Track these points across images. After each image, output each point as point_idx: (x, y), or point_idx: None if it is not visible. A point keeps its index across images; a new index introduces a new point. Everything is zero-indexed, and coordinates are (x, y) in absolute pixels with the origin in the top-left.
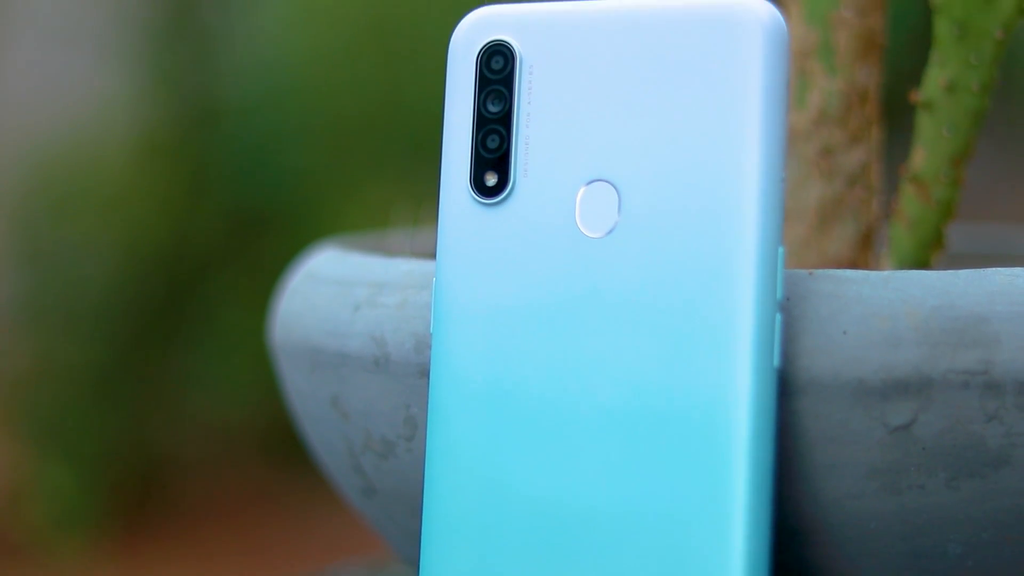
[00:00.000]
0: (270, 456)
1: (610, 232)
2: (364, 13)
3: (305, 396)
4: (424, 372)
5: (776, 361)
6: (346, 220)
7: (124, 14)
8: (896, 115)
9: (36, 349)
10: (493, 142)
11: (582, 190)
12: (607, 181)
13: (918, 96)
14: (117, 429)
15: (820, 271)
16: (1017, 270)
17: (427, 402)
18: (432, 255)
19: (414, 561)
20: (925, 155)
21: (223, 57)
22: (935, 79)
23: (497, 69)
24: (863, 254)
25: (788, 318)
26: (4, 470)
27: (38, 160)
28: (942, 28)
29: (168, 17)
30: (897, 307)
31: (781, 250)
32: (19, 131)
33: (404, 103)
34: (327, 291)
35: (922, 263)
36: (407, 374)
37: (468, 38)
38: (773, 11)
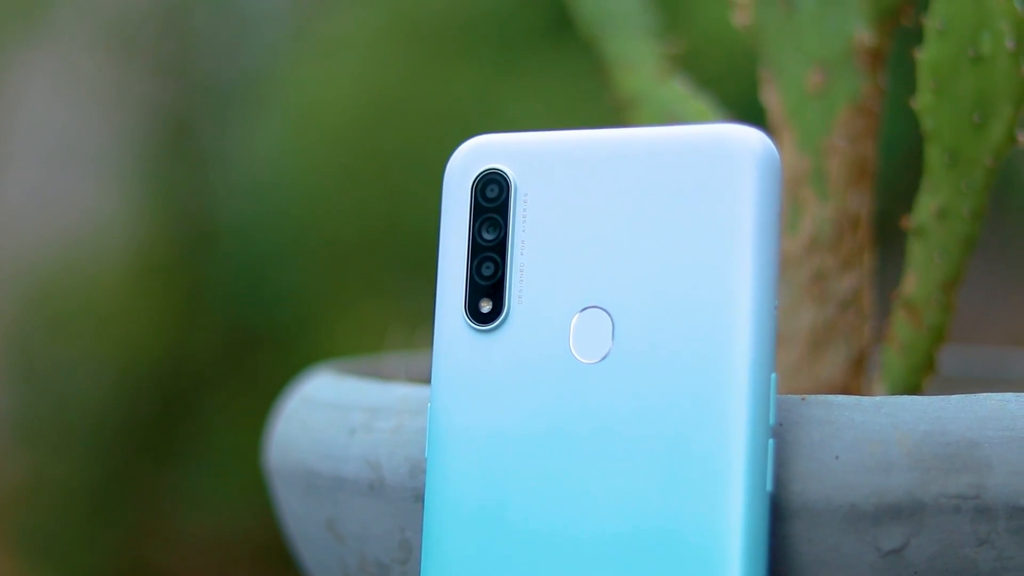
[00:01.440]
0: (265, 574)
1: (604, 358)
2: (361, 136)
3: (300, 519)
4: (419, 496)
5: (769, 486)
6: (341, 340)
7: (122, 135)
8: (888, 240)
9: (30, 465)
10: (488, 269)
11: (576, 317)
12: (601, 308)
13: (910, 222)
14: (111, 546)
15: (812, 397)
16: (1008, 395)
17: (422, 526)
18: (427, 380)
19: None
20: (917, 280)
21: (220, 178)
22: (926, 206)
23: (492, 197)
24: (855, 379)
25: (781, 443)
26: None
27: (34, 277)
28: (933, 155)
29: (165, 138)
30: (889, 432)
31: (774, 376)
32: (16, 248)
33: (400, 225)
34: (323, 415)
35: (914, 387)
36: (402, 498)
37: (463, 166)
38: (765, 140)
